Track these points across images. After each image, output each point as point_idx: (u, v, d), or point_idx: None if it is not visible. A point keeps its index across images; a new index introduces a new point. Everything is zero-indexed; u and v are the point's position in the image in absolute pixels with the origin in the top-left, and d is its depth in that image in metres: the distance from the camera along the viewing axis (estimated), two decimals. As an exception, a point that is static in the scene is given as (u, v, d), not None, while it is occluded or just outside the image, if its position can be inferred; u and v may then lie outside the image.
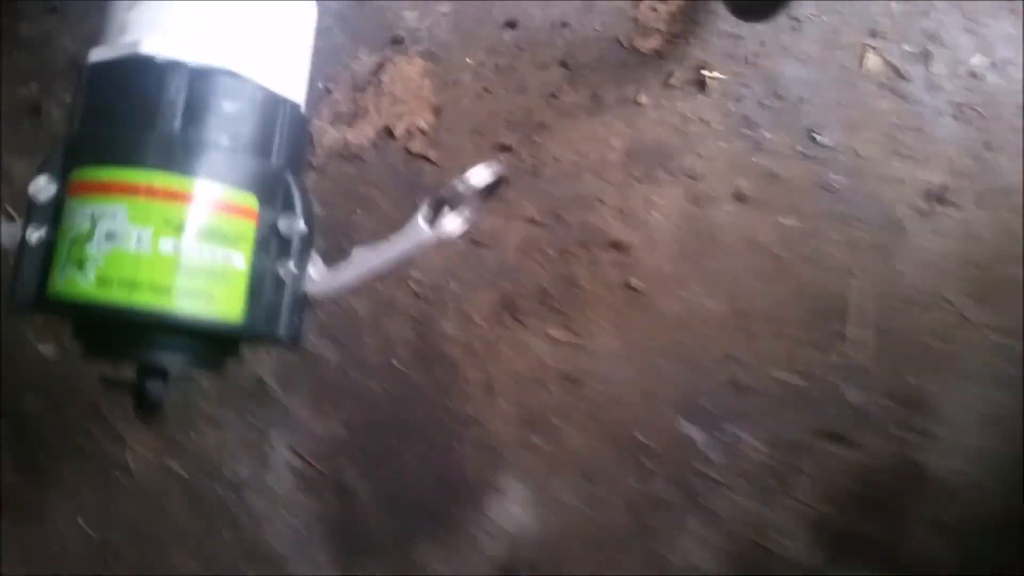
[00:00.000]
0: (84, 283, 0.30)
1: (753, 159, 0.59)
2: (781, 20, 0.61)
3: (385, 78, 0.55)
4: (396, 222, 0.55)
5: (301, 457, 0.53)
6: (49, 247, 0.32)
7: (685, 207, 0.58)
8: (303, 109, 0.36)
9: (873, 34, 0.62)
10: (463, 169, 0.56)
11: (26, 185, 0.32)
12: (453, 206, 0.36)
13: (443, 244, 0.54)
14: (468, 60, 0.56)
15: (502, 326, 0.55)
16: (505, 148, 0.56)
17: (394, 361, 0.54)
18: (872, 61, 0.62)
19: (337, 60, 0.53)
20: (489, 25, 0.57)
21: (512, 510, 0.53)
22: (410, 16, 0.56)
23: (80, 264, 0.31)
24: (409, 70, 0.55)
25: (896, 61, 0.62)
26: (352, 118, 0.55)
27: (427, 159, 0.55)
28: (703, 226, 0.57)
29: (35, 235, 0.32)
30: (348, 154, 0.54)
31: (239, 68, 0.33)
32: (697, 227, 0.57)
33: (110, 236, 0.30)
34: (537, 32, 0.57)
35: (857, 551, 0.55)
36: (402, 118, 0.55)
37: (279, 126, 0.34)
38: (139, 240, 0.30)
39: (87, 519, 0.51)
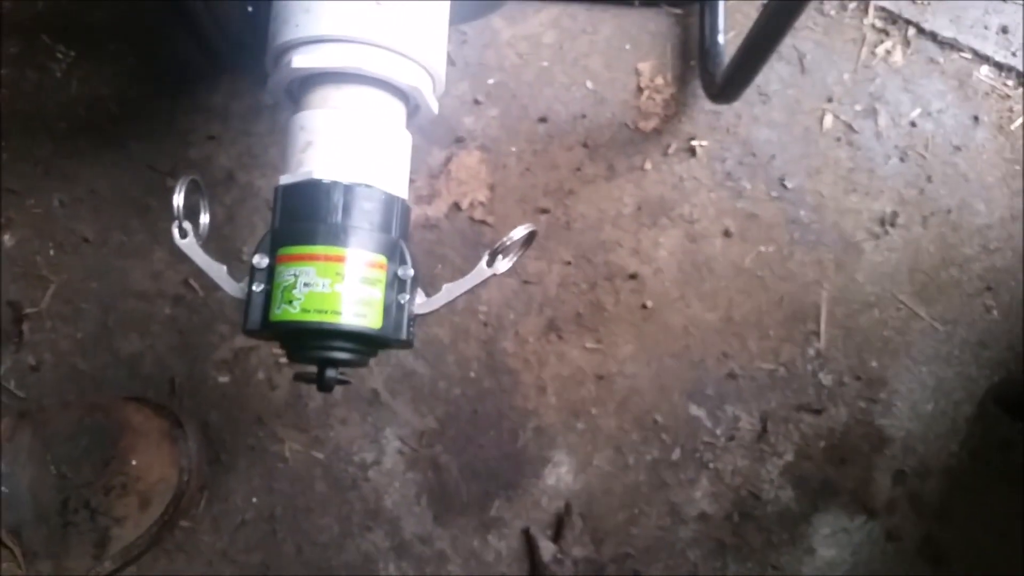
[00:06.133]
0: (293, 312, 0.58)
1: (736, 204, 0.84)
2: (752, 95, 0.87)
3: (452, 167, 0.83)
4: (466, 270, 0.82)
5: (407, 444, 0.79)
6: (266, 295, 0.60)
7: (684, 244, 0.83)
8: (408, 200, 0.63)
9: (829, 99, 0.87)
10: (511, 228, 0.83)
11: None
12: (504, 254, 0.62)
13: (500, 281, 0.81)
14: (512, 149, 0.84)
15: (549, 342, 0.80)
16: (544, 210, 0.83)
17: (471, 373, 0.80)
18: (829, 121, 0.87)
19: (417, 157, 0.81)
20: (526, 122, 0.85)
21: (564, 476, 0.77)
22: (468, 121, 0.84)
23: (290, 302, 0.58)
24: (469, 160, 0.83)
25: (848, 119, 0.86)
26: (430, 198, 0.83)
27: (486, 223, 0.82)
28: (699, 257, 0.83)
29: (259, 288, 0.60)
30: (428, 225, 0.82)
31: (372, 181, 0.61)
32: (694, 258, 0.82)
33: (307, 284, 0.58)
34: (563, 124, 0.84)
35: (832, 495, 0.77)
36: (466, 195, 0.82)
37: (396, 213, 0.61)
38: (323, 285, 0.58)
39: (257, 496, 0.79)
